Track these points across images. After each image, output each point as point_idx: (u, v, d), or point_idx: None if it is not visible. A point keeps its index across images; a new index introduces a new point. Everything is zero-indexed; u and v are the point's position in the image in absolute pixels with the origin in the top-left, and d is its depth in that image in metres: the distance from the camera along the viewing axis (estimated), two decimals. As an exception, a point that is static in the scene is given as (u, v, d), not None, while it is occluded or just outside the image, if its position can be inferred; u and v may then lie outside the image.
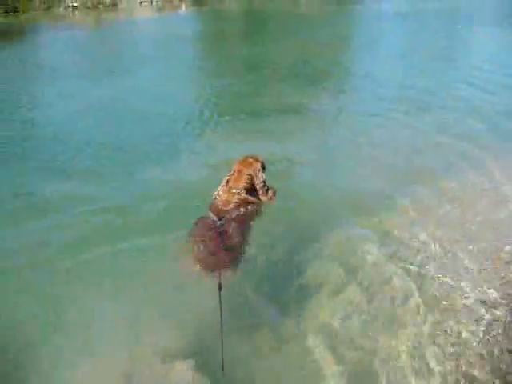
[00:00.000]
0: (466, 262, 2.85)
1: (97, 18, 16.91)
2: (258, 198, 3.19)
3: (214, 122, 5.37)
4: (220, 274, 2.43)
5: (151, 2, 19.60)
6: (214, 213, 2.97)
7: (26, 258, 2.91)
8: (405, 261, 2.85)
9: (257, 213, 3.14)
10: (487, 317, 2.40)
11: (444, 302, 2.52)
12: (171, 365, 2.20)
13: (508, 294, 2.56)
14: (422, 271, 2.77)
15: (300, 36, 11.90)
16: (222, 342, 2.10)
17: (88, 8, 18.06)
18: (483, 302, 2.50)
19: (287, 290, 2.68)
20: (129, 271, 2.81)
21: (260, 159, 3.28)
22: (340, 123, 5.37)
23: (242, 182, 3.13)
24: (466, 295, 2.56)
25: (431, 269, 2.79)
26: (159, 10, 18.94)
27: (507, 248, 2.97)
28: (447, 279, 2.70)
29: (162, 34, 13.34)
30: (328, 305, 2.57)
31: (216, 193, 3.14)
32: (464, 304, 2.50)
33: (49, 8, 17.43)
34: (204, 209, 3.05)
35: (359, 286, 2.67)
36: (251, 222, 3.03)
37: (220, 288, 2.32)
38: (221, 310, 2.20)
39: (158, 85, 7.18)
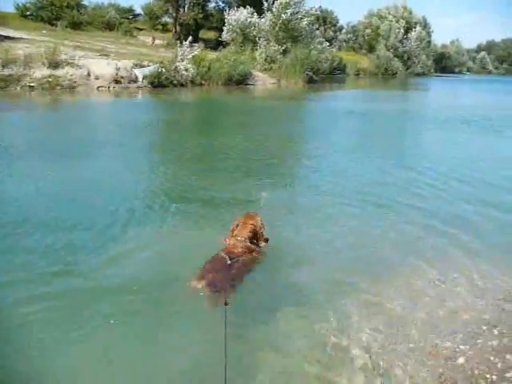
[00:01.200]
0: (405, 357, 2.97)
1: (54, 100, 17.27)
2: (258, 245, 3.96)
3: (163, 209, 5.46)
4: (226, 291, 2.90)
5: (108, 88, 20.59)
6: (225, 253, 3.64)
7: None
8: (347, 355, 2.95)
9: (257, 258, 3.86)
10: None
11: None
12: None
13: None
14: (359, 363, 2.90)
15: (254, 128, 12.54)
16: (226, 356, 2.43)
17: (45, 89, 18.62)
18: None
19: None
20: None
21: (259, 216, 4.20)
22: (304, 213, 5.52)
23: (247, 231, 3.89)
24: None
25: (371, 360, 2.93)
26: (116, 95, 19.81)
27: (447, 344, 3.11)
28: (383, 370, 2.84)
29: (118, 118, 13.74)
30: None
31: (226, 240, 3.91)
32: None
33: (6, 87, 17.76)
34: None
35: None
36: (253, 264, 3.74)
37: (226, 303, 2.71)
38: (225, 324, 2.61)
39: (114, 170, 7.34)
